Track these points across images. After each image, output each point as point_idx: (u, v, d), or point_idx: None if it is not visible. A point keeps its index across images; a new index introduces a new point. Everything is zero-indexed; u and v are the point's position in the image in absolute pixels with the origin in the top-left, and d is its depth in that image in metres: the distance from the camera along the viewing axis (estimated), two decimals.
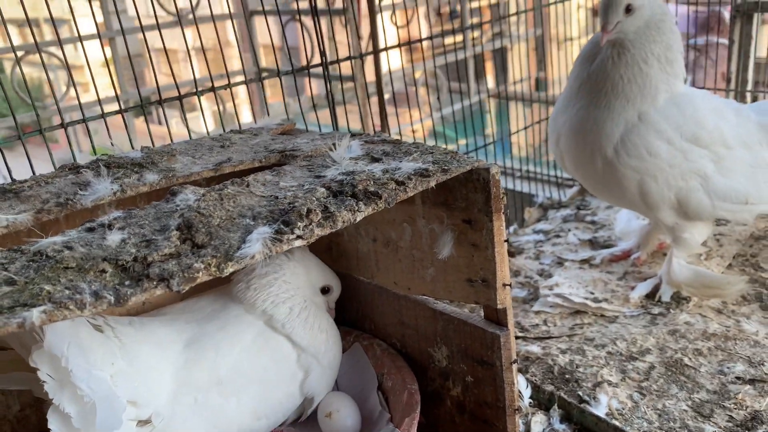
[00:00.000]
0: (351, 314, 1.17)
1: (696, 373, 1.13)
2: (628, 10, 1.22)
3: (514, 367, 0.95)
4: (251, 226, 0.70)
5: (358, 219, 0.75)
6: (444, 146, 1.03)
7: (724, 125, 1.25)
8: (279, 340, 1.00)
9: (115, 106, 1.22)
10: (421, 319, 1.05)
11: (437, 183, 0.82)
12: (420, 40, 1.84)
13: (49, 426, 0.73)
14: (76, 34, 1.25)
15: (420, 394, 1.00)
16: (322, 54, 1.29)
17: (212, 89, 1.32)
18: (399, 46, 1.71)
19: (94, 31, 1.26)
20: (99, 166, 0.90)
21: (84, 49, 1.20)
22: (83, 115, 1.17)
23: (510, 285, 0.92)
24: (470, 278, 0.94)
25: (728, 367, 1.13)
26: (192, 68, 1.29)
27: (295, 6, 1.87)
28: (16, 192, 0.88)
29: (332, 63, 1.40)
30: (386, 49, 1.93)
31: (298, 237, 0.70)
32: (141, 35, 1.22)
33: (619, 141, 1.23)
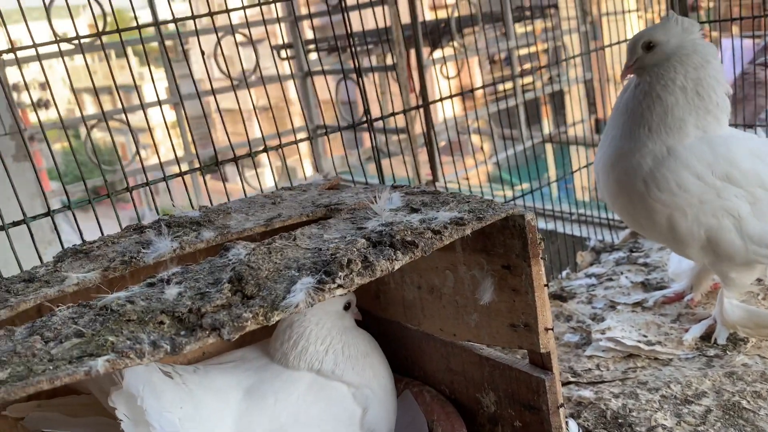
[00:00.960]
0: (400, 361, 1.19)
1: (755, 417, 1.09)
2: (650, 47, 1.24)
3: (561, 411, 0.95)
4: (296, 277, 0.75)
5: (395, 267, 0.79)
6: (484, 195, 1.07)
7: (763, 167, 1.23)
8: (331, 384, 1.04)
9: (180, 167, 1.32)
10: (468, 365, 1.07)
11: (473, 231, 0.86)
12: (472, 90, 1.90)
13: None
14: (147, 100, 1.38)
15: None
16: (366, 111, 1.36)
17: (265, 150, 1.40)
18: (450, 97, 1.77)
19: (163, 96, 1.38)
20: (161, 225, 0.97)
21: (146, 114, 1.32)
22: (147, 178, 1.26)
23: (552, 329, 0.94)
24: (513, 323, 0.96)
25: None
26: (245, 127, 1.38)
27: (351, 65, 1.97)
28: (86, 252, 0.96)
29: (379, 119, 1.46)
30: (435, 101, 1.99)
31: (339, 286, 0.75)
32: (207, 98, 1.32)
33: (649, 174, 1.22)
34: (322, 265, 0.77)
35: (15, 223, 1.14)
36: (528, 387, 0.97)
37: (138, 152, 1.33)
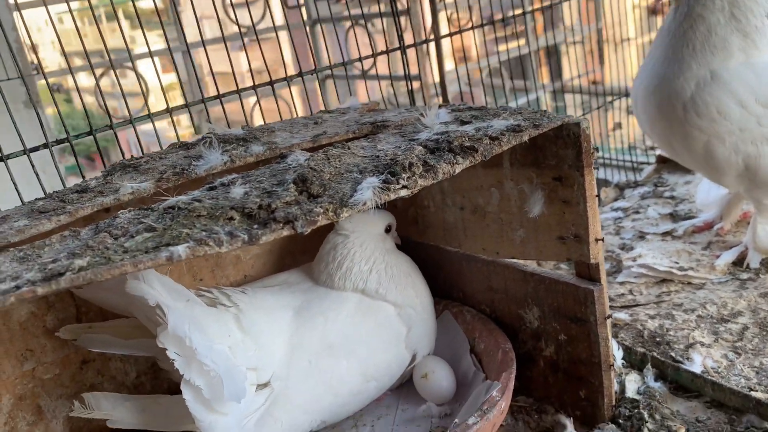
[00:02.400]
0: (439, 284, 1.20)
1: None
2: None
3: (608, 322, 0.97)
4: (359, 178, 0.75)
5: (456, 171, 0.79)
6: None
7: None
8: (378, 304, 1.05)
9: (171, 129, 1.28)
10: (511, 282, 1.08)
11: (529, 138, 0.85)
12: (488, 23, 1.86)
13: (184, 397, 0.80)
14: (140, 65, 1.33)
15: None
16: (401, 38, 1.34)
17: (254, 87, 1.33)
18: (466, 30, 1.74)
19: (154, 55, 1.33)
20: (211, 139, 0.96)
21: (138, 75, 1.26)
22: (130, 116, 1.23)
23: (603, 240, 0.94)
24: (562, 235, 0.97)
25: None
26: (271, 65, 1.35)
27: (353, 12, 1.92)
28: (134, 166, 0.96)
29: (392, 50, 1.44)
30: (447, 35, 1.95)
31: (404, 187, 0.75)
32: (199, 58, 1.28)
33: (689, 100, 1.21)
34: (384, 168, 0.77)
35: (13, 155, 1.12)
36: (575, 299, 0.98)
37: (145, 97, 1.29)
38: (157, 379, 1.09)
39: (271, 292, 1.05)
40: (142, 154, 1.22)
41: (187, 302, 0.87)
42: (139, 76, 1.70)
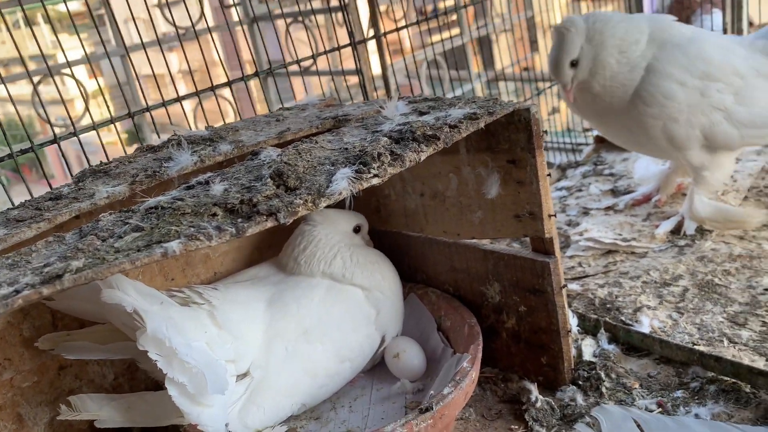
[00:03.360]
0: (404, 269, 1.26)
1: (727, 290, 1.22)
2: (573, 64, 1.34)
3: (564, 291, 1.04)
4: (333, 170, 0.80)
5: (422, 158, 0.84)
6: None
7: (733, 58, 1.35)
8: (347, 288, 1.10)
9: (107, 134, 1.27)
10: (472, 261, 1.14)
11: (485, 124, 0.92)
12: (424, 19, 1.92)
13: (170, 393, 0.82)
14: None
15: None
16: (351, 34, 1.39)
17: (196, 93, 1.35)
18: (407, 26, 1.79)
19: (81, 68, 1.32)
20: (179, 140, 0.99)
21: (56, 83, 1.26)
22: (74, 128, 1.22)
23: (555, 215, 1.02)
24: (517, 214, 1.04)
25: (756, 282, 1.22)
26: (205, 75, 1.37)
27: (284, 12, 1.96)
28: (105, 171, 0.98)
29: (359, 42, 1.49)
30: (391, 32, 2.00)
31: (375, 176, 0.80)
32: (130, 61, 1.27)
33: (636, 95, 1.32)
34: (354, 159, 0.82)
35: None
36: (533, 272, 1.05)
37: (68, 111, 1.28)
38: (135, 380, 1.11)
39: (242, 286, 1.08)
40: (68, 166, 1.21)
41: (162, 304, 0.89)
42: (79, 83, 1.68)
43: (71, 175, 1.19)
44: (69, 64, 1.39)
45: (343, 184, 0.76)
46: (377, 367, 1.17)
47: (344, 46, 1.43)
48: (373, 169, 0.80)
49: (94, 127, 1.26)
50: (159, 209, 0.75)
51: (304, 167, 0.82)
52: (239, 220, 0.71)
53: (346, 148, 0.87)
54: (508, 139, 0.99)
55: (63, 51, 1.28)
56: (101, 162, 1.02)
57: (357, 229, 1.18)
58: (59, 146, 1.23)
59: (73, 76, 1.58)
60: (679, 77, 1.31)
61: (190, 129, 1.09)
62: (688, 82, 1.31)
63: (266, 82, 3.73)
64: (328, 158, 0.84)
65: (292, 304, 1.06)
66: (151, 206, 0.77)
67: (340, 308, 1.09)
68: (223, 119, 1.52)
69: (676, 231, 1.46)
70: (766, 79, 1.37)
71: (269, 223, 0.71)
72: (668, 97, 1.31)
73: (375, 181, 0.80)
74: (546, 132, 0.98)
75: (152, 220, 0.73)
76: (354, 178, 0.78)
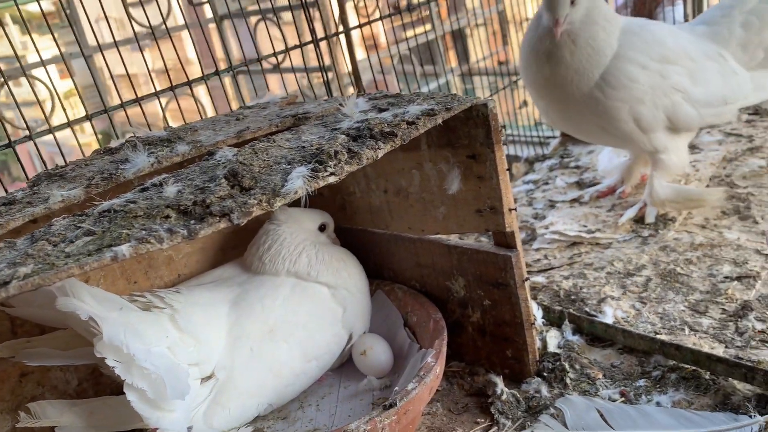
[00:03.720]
0: (370, 266, 1.26)
1: (689, 279, 1.24)
2: (572, 2, 1.34)
3: (527, 284, 1.05)
4: (289, 169, 0.80)
5: (380, 155, 0.84)
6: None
7: (684, 42, 1.40)
8: (312, 286, 1.10)
9: (74, 138, 1.26)
10: (437, 256, 1.15)
11: (441, 122, 0.92)
12: (395, 13, 1.91)
13: (128, 399, 0.81)
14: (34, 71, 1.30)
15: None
16: (313, 31, 1.38)
17: (171, 88, 1.33)
18: (375, 20, 1.79)
19: (52, 68, 1.30)
20: (135, 142, 0.98)
21: (27, 82, 1.25)
22: (29, 131, 1.19)
23: (515, 209, 1.02)
24: (479, 209, 1.04)
25: (717, 270, 1.24)
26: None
27: (258, 8, 1.95)
28: (61, 175, 0.97)
29: (304, 45, 1.48)
30: (358, 26, 1.99)
31: (332, 174, 0.79)
32: (100, 61, 1.26)
33: (602, 80, 1.34)
34: (311, 158, 0.81)
35: None
36: (495, 266, 1.06)
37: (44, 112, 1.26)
38: (100, 384, 1.09)
39: (206, 288, 1.08)
40: (45, 167, 1.21)
41: (121, 310, 0.88)
42: (51, 85, 1.65)
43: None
44: (44, 64, 1.36)
45: (298, 183, 0.76)
46: (345, 365, 1.17)
47: (306, 44, 1.42)
48: (330, 167, 0.79)
49: (51, 130, 1.24)
50: (112, 212, 0.74)
51: (260, 167, 0.81)
52: (192, 221, 0.71)
53: (304, 147, 0.87)
54: (468, 134, 0.99)
55: (38, 51, 1.26)
56: (57, 165, 1.01)
57: (322, 228, 1.18)
58: (35, 144, 1.22)
59: (38, 78, 1.56)
60: (640, 60, 1.35)
61: (150, 130, 1.08)
62: (649, 65, 1.35)
63: (238, 79, 3.71)
64: (284, 157, 0.84)
65: (256, 304, 1.05)
66: (105, 209, 0.76)
67: (305, 307, 1.09)
68: (201, 116, 1.51)
69: (640, 220, 1.48)
70: (714, 61, 1.43)
71: (222, 224, 0.71)
72: (632, 80, 1.34)
73: (331, 179, 0.79)
74: (504, 127, 0.98)
75: (104, 224, 0.72)
76: (310, 176, 0.77)
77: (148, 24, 1.39)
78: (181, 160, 0.97)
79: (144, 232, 0.68)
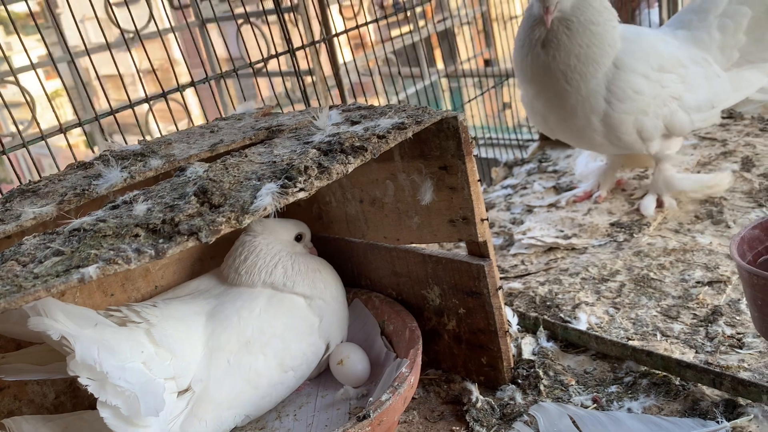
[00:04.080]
0: (347, 275, 1.27)
1: (661, 284, 1.26)
2: None
3: (500, 293, 1.06)
4: (258, 185, 0.80)
5: (349, 170, 0.85)
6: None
7: (674, 49, 1.43)
8: (288, 297, 1.11)
9: (62, 139, 1.27)
10: (413, 265, 1.16)
11: (413, 134, 0.93)
12: (375, 20, 1.92)
13: (102, 416, 0.81)
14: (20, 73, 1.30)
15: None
16: (288, 40, 1.39)
17: (163, 95, 1.35)
18: (356, 27, 1.80)
19: (37, 65, 1.30)
20: (108, 157, 0.98)
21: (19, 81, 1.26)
22: (23, 140, 1.20)
23: (487, 219, 1.04)
24: (452, 219, 1.05)
25: (689, 275, 1.26)
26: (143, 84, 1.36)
27: (242, 11, 1.96)
28: (33, 191, 0.97)
29: (297, 49, 1.49)
30: (339, 34, 2.01)
31: (301, 189, 0.80)
32: (85, 62, 1.27)
33: (608, 92, 1.36)
34: (281, 173, 0.82)
35: None
36: (469, 275, 1.07)
37: (34, 113, 1.27)
38: (77, 398, 1.10)
39: (182, 301, 1.08)
40: (37, 172, 1.21)
41: (95, 326, 0.88)
42: (42, 88, 1.63)
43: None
44: (34, 67, 1.35)
45: (267, 200, 0.77)
46: (323, 374, 1.18)
47: (282, 53, 1.43)
48: (299, 183, 0.80)
49: (43, 137, 1.24)
50: (81, 231, 0.75)
51: (230, 183, 0.82)
52: (160, 240, 0.71)
53: (275, 162, 0.88)
54: (439, 146, 1.01)
55: (27, 53, 1.26)
56: (30, 181, 1.01)
57: (298, 238, 1.19)
58: (28, 150, 1.23)
59: (19, 85, 1.55)
60: (643, 71, 1.38)
61: (125, 143, 1.08)
62: (651, 75, 1.38)
63: (219, 84, 3.70)
64: (255, 173, 0.85)
65: (233, 316, 1.06)
66: (75, 228, 0.76)
67: (282, 318, 1.09)
68: (190, 120, 1.52)
69: (617, 225, 1.50)
70: (701, 66, 1.46)
71: (190, 243, 0.71)
72: (638, 92, 1.37)
73: (301, 195, 0.80)
74: (476, 138, 0.99)
75: (73, 244, 0.72)
76: (279, 192, 0.78)
77: (134, 27, 1.39)
78: (155, 174, 0.98)
79: (112, 252, 0.68)
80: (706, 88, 1.46)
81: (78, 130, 1.33)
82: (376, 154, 0.87)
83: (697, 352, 1.07)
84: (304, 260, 1.16)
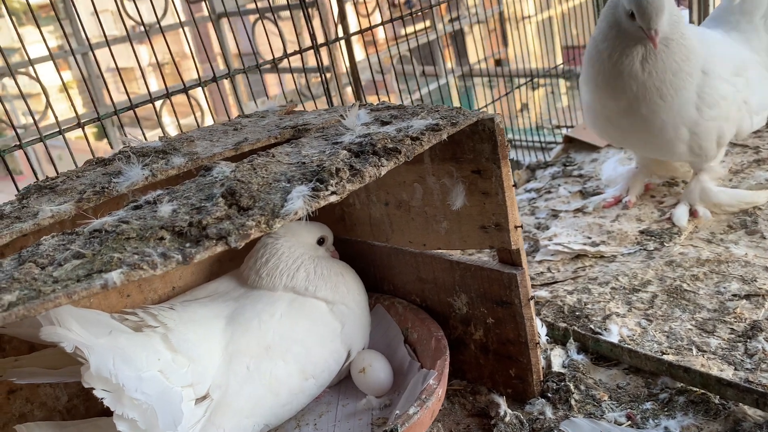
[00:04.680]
0: (369, 279, 1.23)
1: (696, 296, 1.21)
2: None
3: (532, 303, 1.02)
4: (288, 187, 0.76)
5: (383, 173, 0.81)
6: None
7: (737, 52, 1.41)
8: (310, 301, 1.07)
9: (76, 130, 1.24)
10: (439, 272, 1.12)
11: (448, 135, 0.89)
12: (395, 19, 1.88)
13: (119, 429, 0.77)
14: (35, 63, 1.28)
15: None
16: (313, 36, 1.35)
17: (167, 95, 1.32)
18: (376, 26, 1.76)
19: (48, 57, 1.27)
20: (128, 154, 0.95)
21: (36, 73, 1.23)
22: (40, 134, 1.18)
23: (521, 226, 0.99)
24: (483, 225, 1.01)
25: (724, 287, 1.21)
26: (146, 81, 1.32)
27: (253, 7, 1.93)
28: (51, 187, 0.93)
29: (321, 45, 1.45)
30: (360, 32, 1.97)
31: (333, 193, 0.76)
32: (97, 55, 1.25)
33: (699, 98, 1.32)
34: (311, 175, 0.78)
35: None
36: (500, 284, 1.03)
37: (32, 112, 1.24)
38: (90, 401, 1.06)
39: (201, 303, 1.04)
40: (52, 164, 1.18)
41: (110, 334, 0.85)
42: (60, 81, 1.61)
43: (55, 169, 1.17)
44: (52, 57, 1.32)
45: (298, 203, 0.73)
46: (344, 382, 1.14)
47: (306, 49, 1.39)
48: (331, 186, 0.76)
49: (61, 131, 1.22)
50: (103, 233, 0.71)
51: (259, 185, 0.78)
52: (187, 244, 0.67)
53: (304, 163, 0.84)
54: (473, 149, 0.96)
55: (46, 44, 1.22)
56: (47, 177, 0.97)
57: (321, 241, 1.15)
58: (45, 145, 1.20)
59: (34, 77, 1.52)
60: (725, 75, 1.35)
61: (141, 138, 1.05)
62: (730, 80, 1.35)
63: (236, 79, 3.68)
64: (284, 174, 0.81)
65: (253, 320, 1.02)
66: (96, 228, 0.72)
67: (303, 323, 1.06)
68: (194, 114, 1.49)
69: (647, 233, 1.46)
70: (756, 69, 1.45)
71: (219, 248, 0.67)
72: (724, 97, 1.34)
73: (333, 198, 0.76)
74: (510, 142, 0.95)
75: (95, 246, 0.68)
76: (311, 196, 0.74)
77: (141, 20, 1.36)
78: (177, 173, 0.94)
79: (136, 256, 0.65)
80: (763, 91, 1.44)
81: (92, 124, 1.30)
82: (410, 157, 0.83)
83: (736, 369, 1.02)
84: (326, 264, 1.12)
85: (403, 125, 0.91)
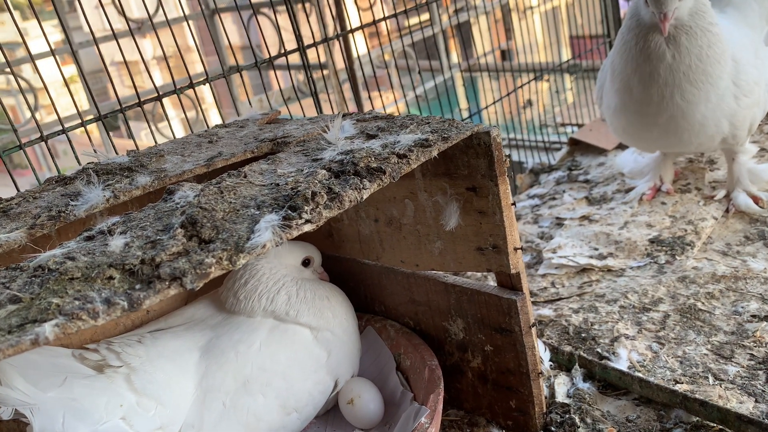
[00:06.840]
0: (359, 299, 1.15)
1: (711, 317, 1.12)
2: None
3: (534, 330, 0.94)
4: (257, 215, 0.68)
5: (364, 197, 0.73)
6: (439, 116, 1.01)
7: (742, 33, 1.37)
8: (292, 328, 0.99)
9: (82, 117, 1.20)
10: (433, 294, 1.03)
11: (439, 152, 0.80)
12: (392, 16, 1.79)
13: None
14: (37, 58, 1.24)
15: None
16: (299, 39, 1.26)
17: (175, 91, 1.26)
18: (375, 23, 1.67)
19: (51, 52, 1.22)
20: (89, 173, 0.86)
21: (37, 69, 1.19)
22: (41, 132, 1.14)
23: (522, 248, 0.91)
24: (480, 246, 0.92)
25: (742, 307, 1.12)
26: (151, 76, 1.25)
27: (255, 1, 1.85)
28: (4, 210, 0.85)
29: (308, 47, 1.37)
30: (355, 30, 1.88)
31: (307, 221, 0.68)
32: (98, 49, 1.21)
33: (735, 87, 1.29)
34: (284, 201, 0.70)
35: None
36: (498, 310, 0.94)
37: (31, 108, 1.18)
38: None
39: (173, 334, 0.96)
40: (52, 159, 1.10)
41: (64, 383, 0.77)
42: (62, 79, 1.54)
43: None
44: (53, 53, 1.25)
45: (266, 235, 0.64)
46: (332, 411, 1.06)
47: (291, 51, 1.30)
48: (305, 213, 0.68)
49: (64, 130, 1.18)
50: (46, 271, 0.63)
51: (225, 212, 0.70)
52: (137, 286, 0.59)
53: (278, 184, 0.75)
54: (468, 164, 0.88)
55: (46, 38, 1.17)
56: (1, 199, 0.89)
57: (306, 262, 1.06)
58: (45, 143, 1.16)
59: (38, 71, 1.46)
60: (753, 62, 1.31)
61: (105, 154, 0.96)
62: (756, 64, 1.32)
63: (231, 77, 3.59)
64: (254, 198, 0.72)
65: (229, 352, 0.94)
66: (40, 265, 0.64)
67: (284, 353, 0.97)
68: (201, 108, 1.42)
69: (657, 242, 1.38)
70: (761, 45, 1.43)
71: (172, 291, 0.59)
72: (757, 82, 1.32)
73: (307, 227, 0.68)
74: (509, 156, 0.86)
75: (34, 288, 0.60)
76: (281, 226, 0.66)
77: (147, 13, 1.30)
78: (141, 194, 0.86)
79: (77, 302, 0.57)
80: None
81: (91, 117, 1.26)
82: (395, 178, 0.75)
83: (757, 401, 0.94)
84: (311, 286, 1.03)
85: (390, 140, 0.82)
